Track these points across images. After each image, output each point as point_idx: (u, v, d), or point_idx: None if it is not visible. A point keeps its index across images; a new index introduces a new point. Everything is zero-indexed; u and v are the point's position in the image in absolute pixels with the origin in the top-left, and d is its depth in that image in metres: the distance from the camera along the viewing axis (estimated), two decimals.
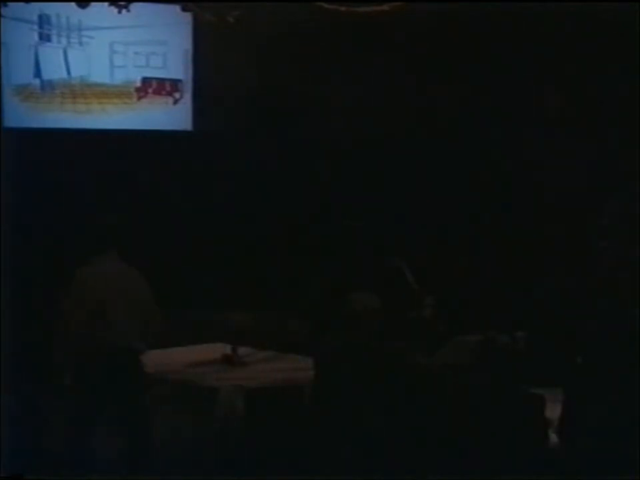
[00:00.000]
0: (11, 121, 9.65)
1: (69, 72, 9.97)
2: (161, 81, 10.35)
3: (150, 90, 10.30)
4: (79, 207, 9.98)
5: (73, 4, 9.18)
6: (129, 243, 9.05)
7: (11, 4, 9.30)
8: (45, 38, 9.84)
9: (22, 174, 8.48)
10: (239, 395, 6.45)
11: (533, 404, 5.20)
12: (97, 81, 10.07)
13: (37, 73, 9.84)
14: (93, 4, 9.07)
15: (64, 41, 9.89)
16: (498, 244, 10.12)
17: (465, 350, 5.70)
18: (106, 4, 9.09)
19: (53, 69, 9.90)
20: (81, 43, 9.94)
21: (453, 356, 5.90)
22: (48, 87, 9.91)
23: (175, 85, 10.38)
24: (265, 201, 10.51)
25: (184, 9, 9.71)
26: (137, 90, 10.25)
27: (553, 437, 5.30)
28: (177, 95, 10.40)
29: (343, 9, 8.48)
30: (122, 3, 8.97)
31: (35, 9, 9.67)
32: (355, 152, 10.55)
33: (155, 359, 7.23)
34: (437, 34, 10.07)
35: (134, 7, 9.11)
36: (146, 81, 10.29)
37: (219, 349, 7.32)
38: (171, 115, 10.40)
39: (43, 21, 9.78)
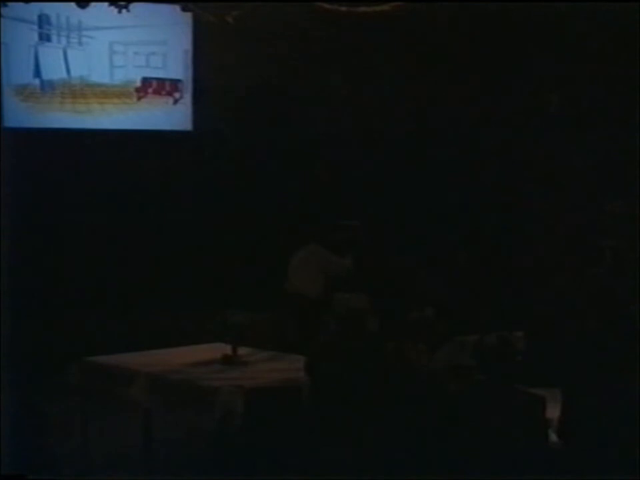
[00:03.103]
0: (10, 121, 9.65)
1: (68, 72, 9.96)
2: (161, 80, 10.35)
3: (150, 90, 10.30)
4: (78, 206, 9.99)
5: (72, 4, 9.18)
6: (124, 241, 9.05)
7: (10, 4, 9.30)
8: (44, 38, 9.84)
9: (22, 174, 8.48)
10: (239, 395, 6.44)
11: (532, 404, 5.20)
12: (97, 81, 10.07)
13: (37, 73, 9.84)
14: (92, 4, 9.07)
15: (64, 40, 9.89)
16: (498, 244, 10.13)
17: (465, 350, 5.69)
18: (106, 4, 9.09)
19: (53, 69, 9.90)
20: (80, 43, 9.94)
21: (453, 356, 5.90)
22: (48, 87, 9.91)
23: (175, 84, 10.38)
24: (264, 201, 10.51)
25: (184, 9, 9.72)
26: (137, 90, 10.25)
27: (553, 437, 5.29)
28: (177, 95, 10.41)
29: (343, 9, 8.49)
30: (122, 3, 8.98)
31: (35, 9, 9.67)
32: (354, 151, 10.56)
33: (155, 359, 7.23)
34: (437, 34, 10.08)
35: (134, 6, 9.11)
36: (146, 81, 10.29)
37: (219, 349, 7.31)
38: (171, 115, 10.41)
39: (43, 21, 9.78)
